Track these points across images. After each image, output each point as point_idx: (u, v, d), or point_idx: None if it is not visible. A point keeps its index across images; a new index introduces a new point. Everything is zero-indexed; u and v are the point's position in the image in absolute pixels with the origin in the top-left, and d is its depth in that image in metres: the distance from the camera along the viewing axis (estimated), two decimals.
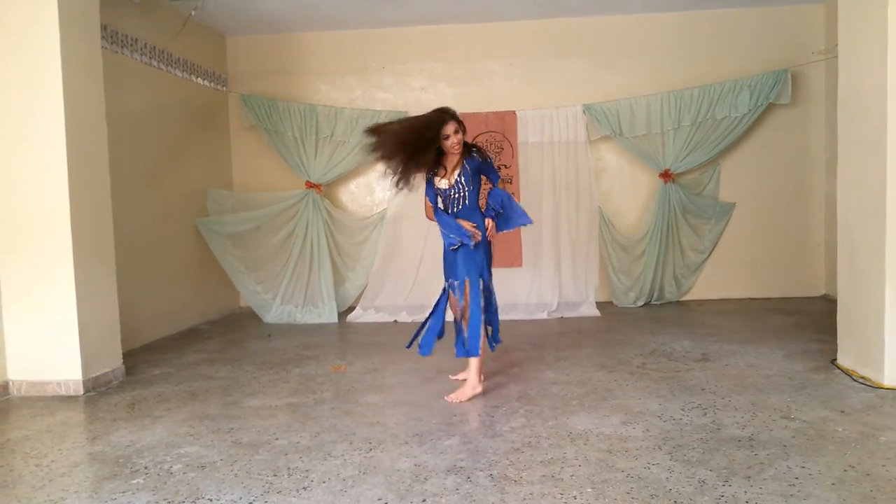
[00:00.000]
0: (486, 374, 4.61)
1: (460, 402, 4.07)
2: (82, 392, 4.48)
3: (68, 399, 4.40)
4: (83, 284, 4.54)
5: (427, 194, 4.28)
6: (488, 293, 4.29)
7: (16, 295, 4.51)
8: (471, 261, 4.18)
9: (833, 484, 2.76)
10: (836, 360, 4.56)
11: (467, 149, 4.21)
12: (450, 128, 4.10)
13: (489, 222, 4.20)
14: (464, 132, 4.17)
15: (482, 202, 4.29)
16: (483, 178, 4.29)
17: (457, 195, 4.22)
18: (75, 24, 4.54)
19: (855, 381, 4.18)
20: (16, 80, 4.42)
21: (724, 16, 7.29)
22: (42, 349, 4.51)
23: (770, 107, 7.12)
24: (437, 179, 4.25)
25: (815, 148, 7.36)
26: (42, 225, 4.46)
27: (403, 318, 6.90)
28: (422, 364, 4.81)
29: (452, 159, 4.21)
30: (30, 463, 3.30)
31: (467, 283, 4.18)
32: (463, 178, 4.18)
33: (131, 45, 5.90)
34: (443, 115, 4.12)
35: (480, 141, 7.21)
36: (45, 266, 4.47)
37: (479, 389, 4.17)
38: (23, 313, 4.51)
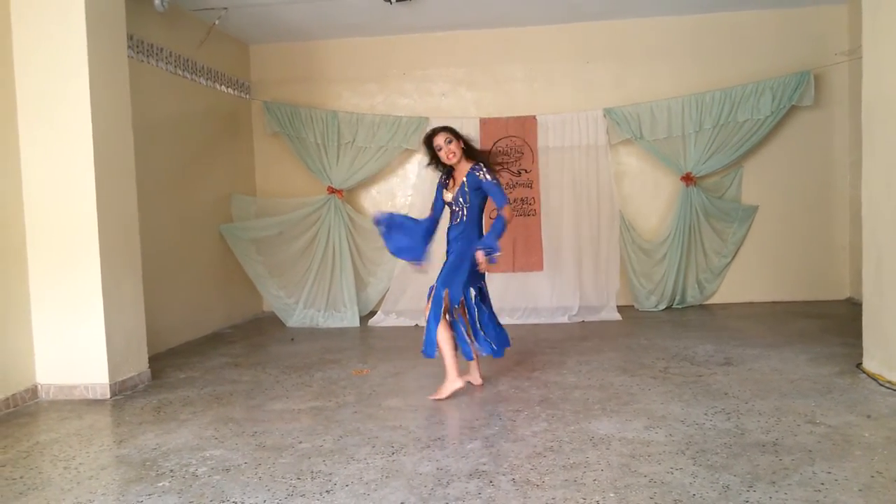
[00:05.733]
0: (508, 377, 4.64)
1: (439, 398, 4.21)
2: (109, 396, 4.55)
3: (95, 403, 4.47)
4: (110, 290, 4.62)
5: (435, 199, 4.43)
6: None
7: (44, 300, 4.58)
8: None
9: (860, 490, 2.73)
10: (861, 364, 4.50)
11: (476, 162, 4.24)
12: (439, 139, 4.23)
13: (480, 256, 4.08)
14: (460, 140, 4.23)
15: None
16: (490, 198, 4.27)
17: (457, 209, 4.28)
18: (102, 34, 4.62)
19: (881, 385, 4.12)
20: (44, 89, 4.50)
21: (745, 18, 7.24)
22: (70, 353, 4.58)
23: (792, 109, 7.06)
24: (444, 192, 4.35)
25: (838, 150, 7.28)
26: (70, 232, 4.53)
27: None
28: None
29: (459, 173, 4.28)
30: (58, 465, 3.35)
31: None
32: (461, 195, 4.22)
33: (157, 54, 5.99)
34: (432, 131, 4.30)
35: (500, 146, 7.21)
36: (73, 272, 4.54)
37: (458, 384, 4.27)
38: (51, 318, 4.59)
